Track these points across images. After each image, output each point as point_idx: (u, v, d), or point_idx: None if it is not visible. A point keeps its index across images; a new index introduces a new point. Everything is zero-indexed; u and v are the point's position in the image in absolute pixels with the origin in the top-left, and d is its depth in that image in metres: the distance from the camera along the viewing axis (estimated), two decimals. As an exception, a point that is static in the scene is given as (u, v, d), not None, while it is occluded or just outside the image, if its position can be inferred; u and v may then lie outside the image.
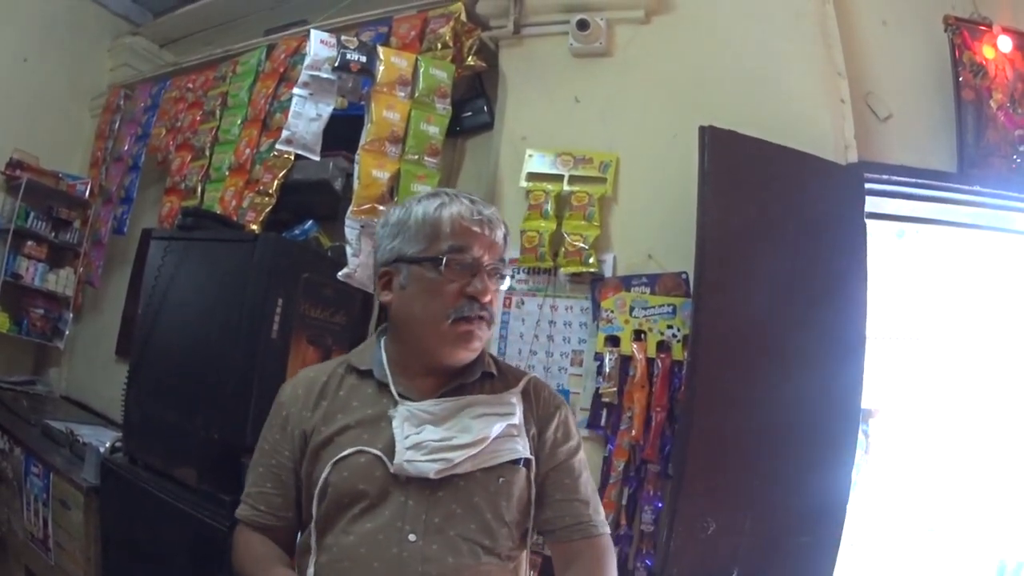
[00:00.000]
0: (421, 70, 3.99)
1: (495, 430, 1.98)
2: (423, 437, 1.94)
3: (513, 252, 2.05)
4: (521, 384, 2.15)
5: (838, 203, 3.65)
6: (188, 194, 5.46)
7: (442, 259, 1.98)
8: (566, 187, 4.03)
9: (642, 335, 3.70)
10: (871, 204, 3.76)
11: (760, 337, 3.44)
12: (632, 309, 3.71)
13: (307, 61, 3.86)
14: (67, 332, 6.67)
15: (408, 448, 1.92)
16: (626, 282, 3.84)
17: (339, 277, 3.71)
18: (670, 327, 3.67)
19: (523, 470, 2.03)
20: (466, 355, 2.05)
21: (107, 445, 4.29)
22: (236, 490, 3.36)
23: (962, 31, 3.86)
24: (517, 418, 2.06)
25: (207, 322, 3.69)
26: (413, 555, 1.86)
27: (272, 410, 2.17)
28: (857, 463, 3.61)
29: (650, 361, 3.67)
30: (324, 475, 1.94)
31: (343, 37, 3.94)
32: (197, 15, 6.73)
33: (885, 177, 3.82)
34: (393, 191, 3.83)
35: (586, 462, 2.19)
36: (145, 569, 3.62)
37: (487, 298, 2.01)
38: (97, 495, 4.09)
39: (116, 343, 6.28)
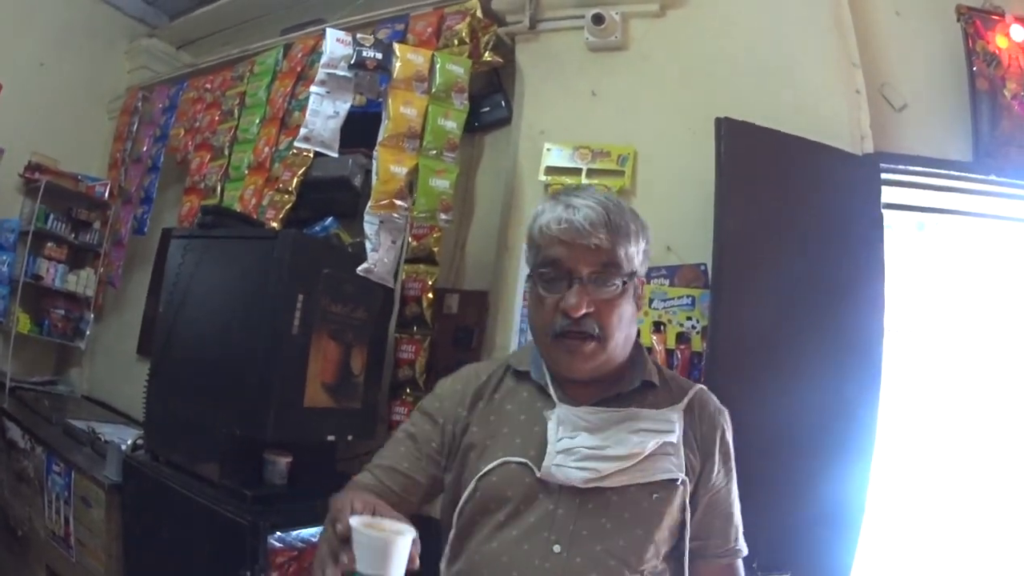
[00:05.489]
0: (438, 66, 3.99)
1: (650, 446, 1.89)
2: (576, 443, 1.88)
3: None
4: (685, 400, 2.02)
5: (855, 194, 3.65)
6: (208, 193, 5.49)
7: (534, 274, 1.98)
8: (584, 180, 4.02)
9: (662, 327, 3.70)
10: (887, 195, 3.76)
11: (779, 329, 3.43)
12: (651, 301, 3.70)
13: (323, 59, 3.88)
14: (88, 332, 6.73)
15: (559, 452, 1.87)
16: (646, 274, 3.82)
17: (359, 272, 3.72)
18: (689, 319, 3.66)
19: (679, 489, 1.92)
20: (582, 371, 1.96)
21: (129, 443, 4.31)
22: (258, 485, 3.41)
23: (975, 20, 3.85)
24: (675, 436, 1.94)
25: (228, 319, 3.71)
26: (555, 567, 1.80)
27: (428, 398, 2.18)
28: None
29: (670, 353, 3.66)
30: (472, 484, 1.92)
31: (359, 35, 3.95)
32: (213, 16, 6.76)
33: (901, 167, 3.81)
34: (412, 186, 3.84)
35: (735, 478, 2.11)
36: (167, 564, 3.63)
37: (578, 313, 1.87)
38: (119, 492, 4.10)
39: (138, 342, 6.33)
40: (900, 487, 4.03)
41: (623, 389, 2.00)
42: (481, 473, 1.91)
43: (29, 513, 5.05)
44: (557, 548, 1.80)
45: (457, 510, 1.93)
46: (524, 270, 3.41)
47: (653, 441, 1.89)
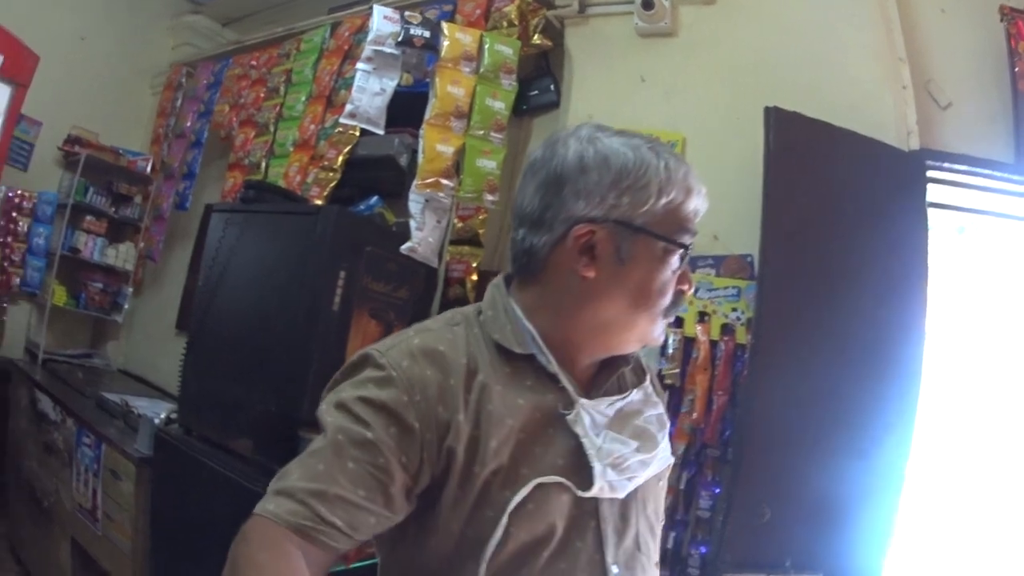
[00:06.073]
0: (486, 46, 3.98)
1: (664, 437, 1.65)
2: (616, 450, 1.52)
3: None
4: (648, 375, 1.75)
5: (901, 190, 3.60)
6: (252, 169, 5.51)
7: (688, 247, 1.56)
8: (632, 167, 3.97)
9: (706, 317, 3.65)
10: (931, 193, 3.72)
11: (822, 323, 3.39)
12: (697, 291, 3.65)
13: (370, 36, 3.87)
14: (126, 306, 6.79)
15: (607, 465, 1.50)
16: (691, 263, 3.76)
17: (402, 250, 3.71)
18: (734, 310, 3.62)
19: (669, 469, 1.73)
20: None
21: (162, 416, 4.32)
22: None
23: (1017, 21, 3.79)
24: (666, 418, 1.72)
25: (267, 294, 3.69)
26: None
27: (376, 384, 1.45)
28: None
29: (713, 344, 3.62)
30: (504, 521, 1.40)
31: (407, 13, 3.94)
32: (259, -6, 6.76)
33: (946, 166, 3.76)
34: (458, 166, 3.83)
35: None
36: (194, 539, 3.61)
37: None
38: (149, 466, 4.11)
39: (177, 317, 6.39)
40: (935, 490, 3.99)
41: (624, 366, 1.67)
42: (514, 505, 1.42)
43: (56, 484, 5.08)
44: (615, 569, 1.51)
45: (486, 557, 1.41)
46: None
47: (664, 431, 1.66)
